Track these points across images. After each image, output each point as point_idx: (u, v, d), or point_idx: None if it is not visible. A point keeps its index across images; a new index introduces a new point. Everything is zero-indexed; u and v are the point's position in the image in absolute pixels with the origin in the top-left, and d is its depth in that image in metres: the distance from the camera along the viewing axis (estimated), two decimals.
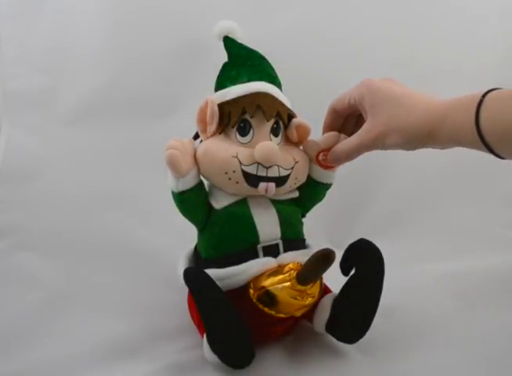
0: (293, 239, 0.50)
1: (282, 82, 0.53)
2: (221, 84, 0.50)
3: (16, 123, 0.84)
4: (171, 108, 0.86)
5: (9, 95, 0.84)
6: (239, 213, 0.48)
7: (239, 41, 0.51)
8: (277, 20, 0.85)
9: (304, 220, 0.54)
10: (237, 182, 0.46)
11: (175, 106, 0.85)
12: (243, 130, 0.48)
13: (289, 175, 0.48)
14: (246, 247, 0.47)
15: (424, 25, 0.87)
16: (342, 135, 0.50)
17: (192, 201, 0.48)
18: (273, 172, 0.46)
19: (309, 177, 0.52)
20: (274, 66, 0.53)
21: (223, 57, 0.52)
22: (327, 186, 0.53)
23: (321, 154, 0.50)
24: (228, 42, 0.51)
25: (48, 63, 0.86)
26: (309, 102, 0.81)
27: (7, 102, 0.85)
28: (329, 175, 0.52)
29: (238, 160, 0.46)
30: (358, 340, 0.47)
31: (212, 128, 0.48)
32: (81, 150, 0.84)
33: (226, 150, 0.46)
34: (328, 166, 0.50)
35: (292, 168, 0.48)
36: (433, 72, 0.88)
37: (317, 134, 0.52)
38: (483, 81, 0.91)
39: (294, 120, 0.50)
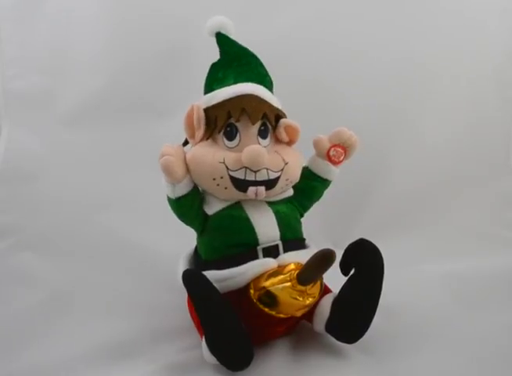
0: (292, 239, 0.49)
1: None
2: (208, 86, 0.51)
3: (16, 123, 0.84)
4: (170, 108, 0.85)
5: (9, 95, 0.85)
6: (236, 216, 0.48)
7: (232, 37, 0.51)
8: (274, 24, 0.85)
9: (303, 220, 0.53)
10: (226, 188, 0.46)
11: (175, 107, 0.85)
12: (230, 134, 0.47)
13: (279, 178, 0.47)
14: (245, 249, 0.47)
15: (424, 28, 0.87)
16: None
17: (190, 206, 0.48)
18: (262, 176, 0.45)
19: (308, 171, 0.52)
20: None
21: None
22: (325, 184, 0.53)
23: (332, 149, 0.51)
24: (220, 38, 0.51)
25: (49, 64, 0.86)
26: (308, 103, 0.83)
27: (7, 102, 0.85)
28: (329, 170, 0.52)
29: (225, 165, 0.45)
30: (357, 340, 0.47)
31: (199, 133, 0.47)
32: (81, 150, 0.84)
33: (213, 156, 0.46)
34: (338, 162, 0.51)
35: (282, 169, 0.47)
36: (432, 76, 0.88)
37: (316, 134, 0.52)
38: (483, 85, 0.92)
39: (282, 120, 0.49)
